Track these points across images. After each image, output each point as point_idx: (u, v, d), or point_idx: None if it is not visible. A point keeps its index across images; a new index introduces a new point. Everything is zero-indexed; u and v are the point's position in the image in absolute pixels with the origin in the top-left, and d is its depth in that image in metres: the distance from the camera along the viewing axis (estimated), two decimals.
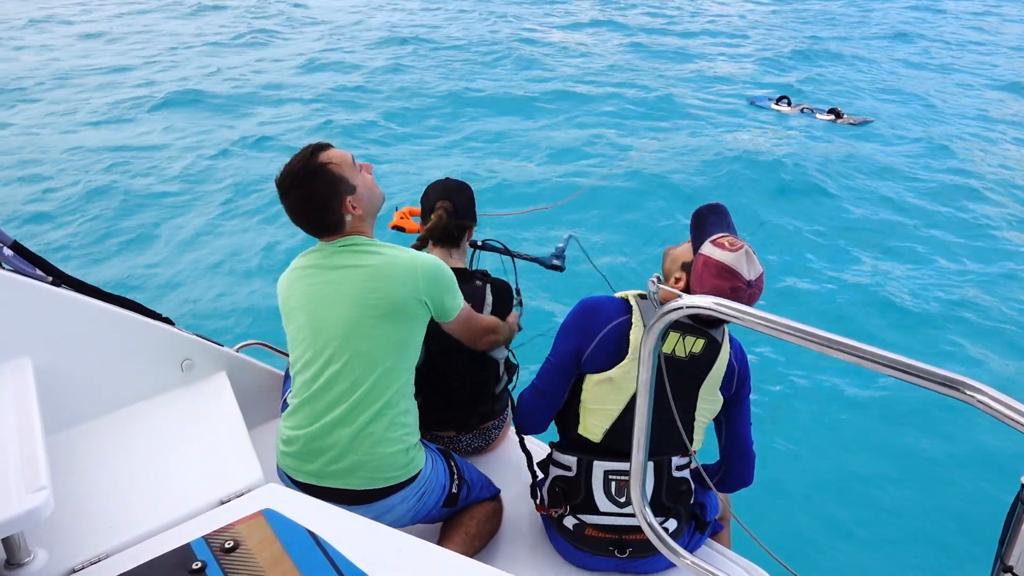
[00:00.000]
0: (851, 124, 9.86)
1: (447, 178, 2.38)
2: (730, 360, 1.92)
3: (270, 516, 1.39)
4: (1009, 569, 0.87)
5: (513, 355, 2.45)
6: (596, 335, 1.92)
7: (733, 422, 2.04)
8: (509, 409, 2.48)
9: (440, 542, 2.05)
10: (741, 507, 2.12)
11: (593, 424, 1.94)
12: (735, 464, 2.09)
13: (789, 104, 10.52)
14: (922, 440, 4.17)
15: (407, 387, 1.97)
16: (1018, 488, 0.87)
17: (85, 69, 12.58)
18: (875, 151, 8.95)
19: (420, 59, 13.08)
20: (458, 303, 2.01)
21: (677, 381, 1.82)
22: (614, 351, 1.89)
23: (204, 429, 2.04)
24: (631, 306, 1.91)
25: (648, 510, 1.34)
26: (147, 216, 7.12)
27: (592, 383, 1.93)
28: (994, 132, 9.96)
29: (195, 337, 2.29)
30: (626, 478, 1.89)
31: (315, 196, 1.87)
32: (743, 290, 1.72)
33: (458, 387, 2.32)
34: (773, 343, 4.75)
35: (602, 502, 1.93)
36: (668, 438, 1.86)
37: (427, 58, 13.19)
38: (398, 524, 1.92)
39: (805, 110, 10.36)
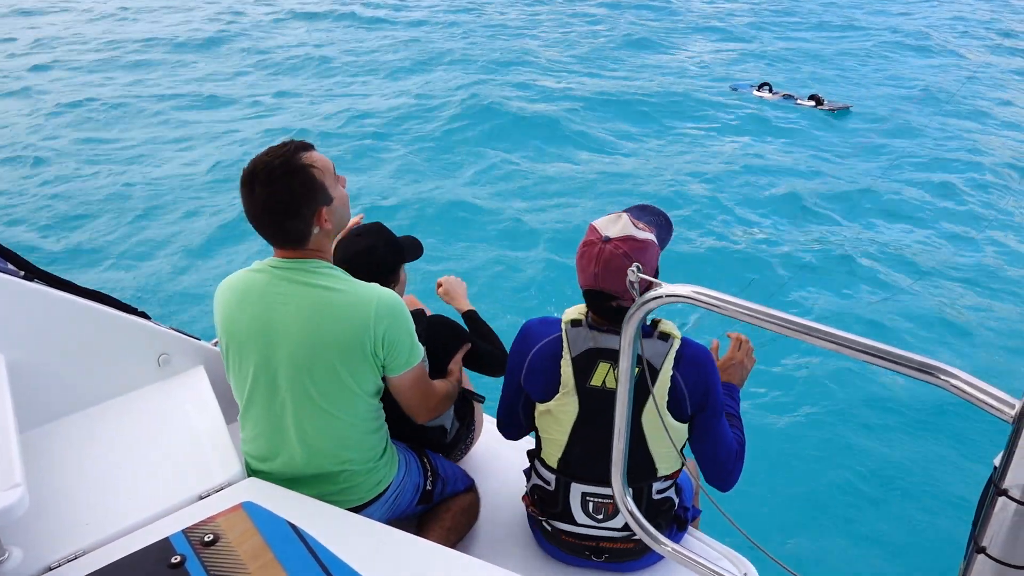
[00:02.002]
0: (830, 110, 9.92)
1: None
2: (675, 384, 1.74)
3: (250, 509, 1.38)
4: (983, 550, 0.87)
5: (469, 394, 2.28)
6: (524, 361, 1.85)
7: (703, 444, 1.83)
8: (476, 415, 2.39)
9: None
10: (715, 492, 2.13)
11: (548, 453, 1.90)
12: (713, 482, 1.90)
13: (771, 91, 10.57)
14: (896, 425, 4.23)
15: (369, 415, 1.83)
16: (990, 471, 0.87)
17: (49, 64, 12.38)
18: (853, 136, 9.02)
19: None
20: (416, 355, 1.80)
21: (613, 415, 1.75)
22: (549, 381, 1.80)
23: (182, 424, 2.02)
24: (562, 334, 1.79)
25: (630, 500, 1.34)
26: (120, 209, 7.04)
27: (538, 413, 1.88)
28: (969, 120, 10.06)
29: (171, 331, 2.26)
30: (603, 501, 1.86)
31: (289, 198, 1.65)
32: (595, 243, 1.68)
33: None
34: (753, 332, 4.78)
35: (579, 516, 1.90)
36: (636, 470, 1.80)
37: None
38: None
39: (786, 96, 10.41)
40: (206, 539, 1.31)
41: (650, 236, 1.73)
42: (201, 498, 1.70)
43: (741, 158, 8.31)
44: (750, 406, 4.34)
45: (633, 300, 1.67)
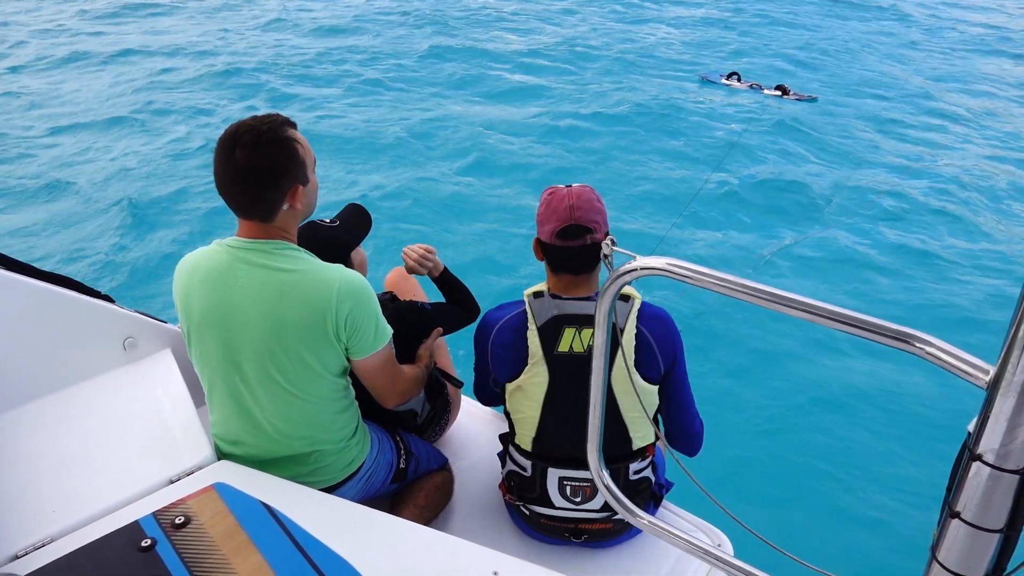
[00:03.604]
0: (796, 100, 10.04)
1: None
2: (641, 339, 1.77)
3: (222, 490, 1.35)
4: (957, 514, 0.88)
5: (448, 378, 2.27)
6: (488, 348, 1.88)
7: (670, 407, 1.87)
8: (449, 398, 2.37)
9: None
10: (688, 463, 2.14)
11: (522, 435, 1.91)
12: (679, 447, 1.96)
13: (739, 80, 10.67)
14: (867, 393, 4.28)
15: (337, 395, 1.80)
16: (964, 436, 0.88)
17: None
18: (817, 124, 9.13)
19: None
20: (381, 338, 1.75)
21: (582, 380, 1.72)
22: (516, 356, 1.82)
23: (150, 408, 1.98)
24: (525, 307, 1.82)
25: (606, 474, 1.34)
26: (81, 189, 6.85)
27: (508, 392, 1.89)
28: (936, 104, 10.25)
29: (137, 314, 2.21)
30: (580, 484, 1.86)
31: (269, 166, 1.60)
32: (559, 189, 1.79)
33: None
34: (726, 303, 4.83)
35: (557, 500, 1.91)
36: (611, 443, 1.80)
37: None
38: None
39: (754, 86, 10.52)
40: (177, 521, 1.29)
41: None
42: (172, 482, 1.66)
43: (710, 143, 8.38)
44: (722, 377, 4.38)
45: (603, 234, 1.75)
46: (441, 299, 2.30)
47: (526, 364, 1.81)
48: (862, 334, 0.93)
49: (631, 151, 8.16)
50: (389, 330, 1.78)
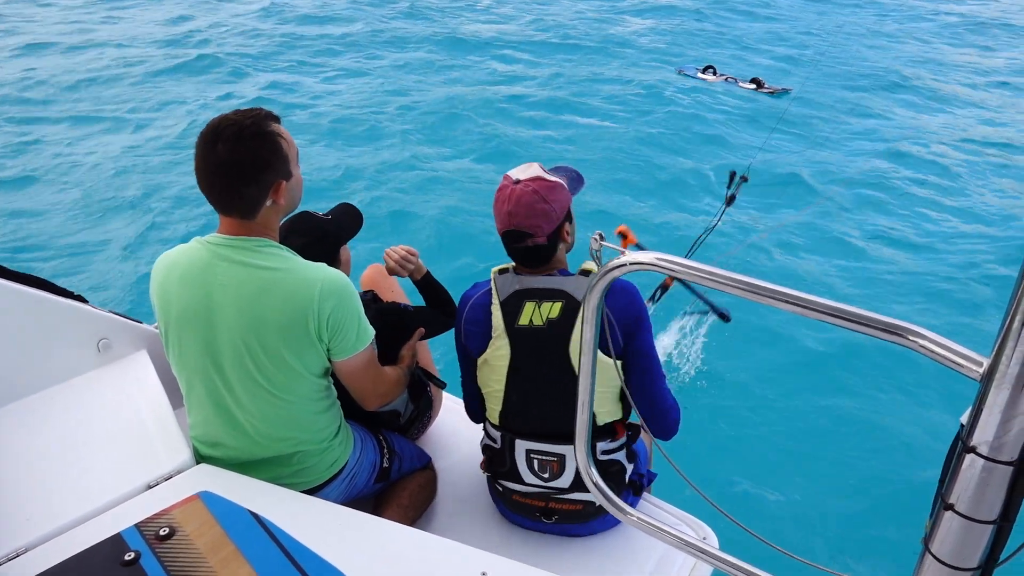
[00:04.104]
0: (770, 93, 10.12)
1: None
2: (604, 316, 1.75)
3: (207, 499, 1.31)
4: (950, 507, 0.88)
5: (431, 378, 2.26)
6: (462, 321, 1.92)
7: (634, 381, 1.85)
8: (431, 396, 2.37)
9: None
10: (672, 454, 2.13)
11: (491, 408, 1.94)
12: (651, 425, 1.93)
13: (715, 73, 10.73)
14: (859, 384, 4.27)
15: (318, 395, 1.77)
16: (958, 428, 0.88)
17: None
18: (792, 116, 9.21)
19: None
20: (364, 338, 1.73)
21: (542, 353, 1.80)
22: (483, 331, 1.85)
23: (126, 411, 1.93)
24: (491, 284, 1.87)
25: (594, 470, 1.33)
26: (53, 185, 6.69)
27: (478, 367, 1.92)
28: (907, 96, 10.37)
29: (111, 315, 2.16)
30: (547, 458, 1.89)
31: (251, 161, 1.58)
32: (506, 187, 1.79)
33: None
34: (714, 293, 4.85)
35: (526, 475, 1.93)
36: (572, 415, 1.82)
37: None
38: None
39: (729, 79, 10.58)
40: (161, 533, 1.24)
41: (559, 180, 1.82)
42: (150, 487, 1.62)
43: (684, 135, 8.42)
44: (710, 367, 4.37)
45: (547, 236, 1.77)
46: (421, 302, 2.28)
47: (490, 338, 1.85)
48: (855, 327, 0.93)
49: (606, 140, 8.17)
50: (371, 330, 1.76)
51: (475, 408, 2.07)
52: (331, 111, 8.76)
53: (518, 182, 1.78)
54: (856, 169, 7.74)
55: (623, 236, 3.47)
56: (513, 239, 1.80)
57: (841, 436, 3.92)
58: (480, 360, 1.89)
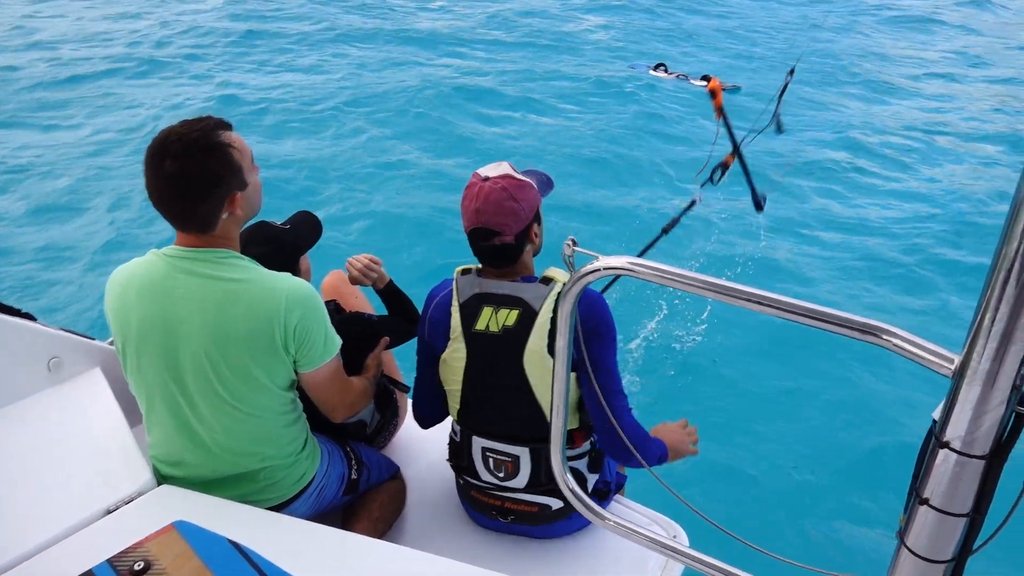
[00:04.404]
0: (721, 89, 10.27)
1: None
2: (557, 323, 1.75)
3: (183, 529, 1.25)
4: (925, 501, 0.90)
5: (396, 384, 2.24)
6: (427, 317, 1.90)
7: (587, 392, 1.77)
8: (400, 403, 2.34)
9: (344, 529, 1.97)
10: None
11: (451, 405, 1.94)
12: (606, 446, 1.86)
13: (666, 71, 10.84)
14: (835, 385, 4.29)
15: (284, 408, 1.72)
16: (930, 423, 0.89)
17: None
18: (739, 111, 9.38)
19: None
20: (331, 348, 1.70)
21: (497, 359, 1.79)
22: (444, 331, 1.85)
23: (81, 432, 1.86)
24: (453, 284, 1.85)
25: (569, 476, 1.32)
26: None
27: (440, 364, 1.91)
28: (855, 88, 10.67)
29: (61, 332, 2.08)
30: (502, 457, 1.89)
31: (202, 175, 1.52)
32: (475, 184, 1.77)
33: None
34: (688, 300, 4.88)
35: (482, 472, 1.93)
36: (530, 425, 1.82)
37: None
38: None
39: (680, 77, 10.71)
40: (136, 567, 1.18)
41: (529, 180, 1.81)
42: (109, 512, 1.57)
43: (638, 131, 8.49)
44: (677, 369, 4.38)
45: (514, 235, 1.75)
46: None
47: (449, 339, 1.84)
48: (829, 328, 0.94)
49: (560, 137, 8.19)
50: (338, 340, 1.72)
51: (423, 412, 2.05)
52: (282, 110, 8.60)
53: (487, 179, 1.76)
54: (807, 158, 7.94)
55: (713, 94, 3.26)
56: (480, 237, 1.77)
57: (807, 433, 3.94)
58: (441, 358, 1.88)
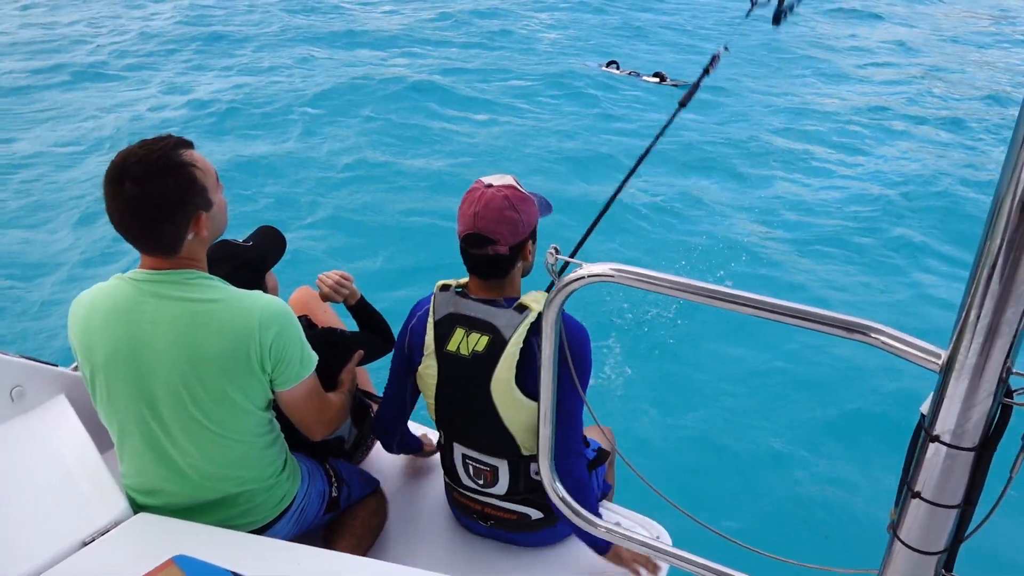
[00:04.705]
0: (673, 86, 10.38)
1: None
2: (527, 353, 1.71)
3: (184, 564, 1.20)
4: (917, 494, 0.91)
5: (372, 398, 2.21)
6: (408, 327, 1.88)
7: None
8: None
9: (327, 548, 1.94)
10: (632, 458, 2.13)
11: (431, 414, 1.93)
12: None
13: (618, 68, 10.93)
14: (823, 383, 4.29)
15: (262, 430, 1.69)
16: (918, 417, 0.91)
17: None
18: (692, 110, 9.50)
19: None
20: (308, 365, 1.66)
21: (466, 383, 1.77)
22: (421, 345, 1.82)
23: (49, 462, 1.80)
24: (431, 299, 1.83)
25: (559, 484, 1.32)
26: None
27: (416, 376, 1.89)
28: (804, 76, 10.91)
29: (23, 360, 2.01)
30: (481, 466, 1.88)
31: (164, 197, 1.47)
32: (477, 189, 1.73)
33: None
34: (671, 304, 4.89)
35: (464, 478, 1.94)
36: (503, 446, 1.81)
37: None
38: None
39: (632, 73, 10.79)
40: None
41: (532, 195, 1.79)
42: (86, 544, 1.51)
43: (591, 131, 8.54)
44: (668, 371, 4.38)
45: (509, 247, 1.72)
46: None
47: (424, 354, 1.82)
48: (817, 327, 0.95)
49: (513, 134, 8.19)
50: (314, 356, 1.69)
51: (388, 413, 2.00)
52: (232, 115, 8.42)
53: (490, 186, 1.72)
54: (760, 145, 8.13)
55: None
56: (474, 243, 1.72)
57: (791, 429, 3.93)
58: (417, 371, 1.87)
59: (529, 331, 1.71)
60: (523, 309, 1.74)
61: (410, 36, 12.14)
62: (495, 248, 1.71)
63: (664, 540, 2.00)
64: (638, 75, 10.72)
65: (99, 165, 6.87)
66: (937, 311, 5.09)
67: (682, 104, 3.22)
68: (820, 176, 7.44)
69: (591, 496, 1.87)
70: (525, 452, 1.82)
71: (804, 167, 7.63)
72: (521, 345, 1.71)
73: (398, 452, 2.16)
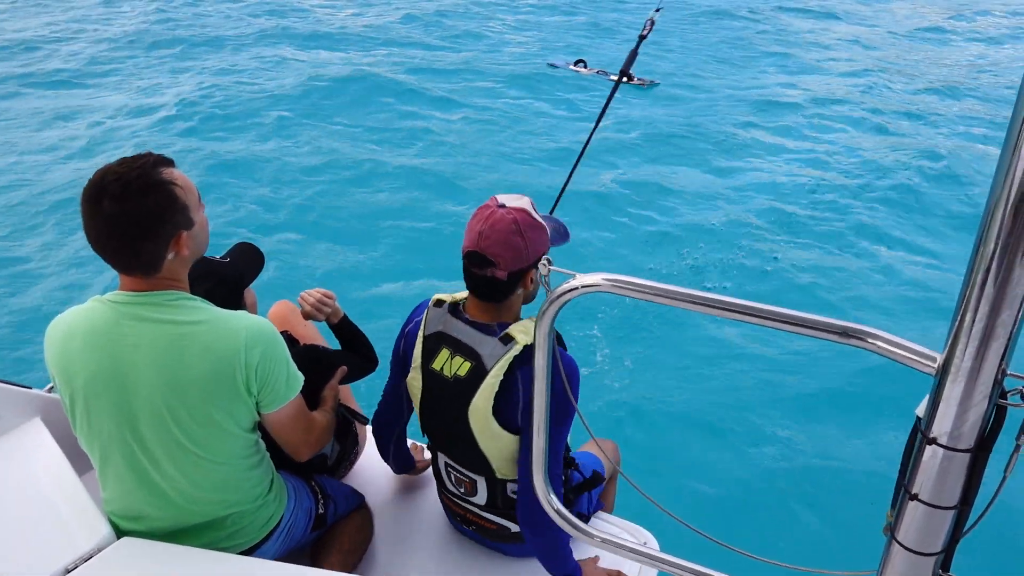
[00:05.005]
0: (640, 85, 10.44)
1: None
2: (508, 385, 1.69)
3: None
4: (915, 496, 0.92)
5: (354, 415, 2.18)
6: (404, 330, 1.88)
7: (521, 460, 1.74)
8: (359, 432, 2.29)
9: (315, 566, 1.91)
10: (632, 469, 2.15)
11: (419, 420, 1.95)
12: (521, 518, 1.80)
13: (585, 66, 10.98)
14: (816, 389, 4.30)
15: (248, 451, 1.66)
16: (914, 420, 0.92)
17: None
18: (661, 106, 9.60)
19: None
20: (294, 386, 1.64)
21: (447, 404, 1.77)
22: (411, 355, 1.83)
23: (27, 487, 1.75)
24: (425, 312, 1.82)
25: (552, 495, 1.31)
26: None
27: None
28: (767, 68, 11.04)
29: None
30: (461, 476, 1.89)
31: (143, 216, 1.43)
32: (489, 207, 1.70)
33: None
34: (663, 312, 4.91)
35: (448, 484, 1.96)
36: (476, 463, 1.81)
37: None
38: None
39: (599, 72, 10.85)
40: None
41: (544, 223, 1.75)
42: (69, 571, 1.47)
43: (559, 128, 8.56)
44: (662, 382, 4.35)
45: (508, 272, 1.69)
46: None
47: (412, 366, 1.83)
48: (812, 333, 0.95)
49: (482, 132, 8.20)
50: (300, 377, 1.66)
51: (384, 418, 2.02)
52: (199, 118, 8.31)
53: (503, 207, 1.69)
54: (726, 132, 8.40)
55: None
56: (475, 262, 1.68)
57: (805, 442, 3.92)
58: (407, 378, 1.87)
59: (513, 363, 1.68)
60: (509, 340, 1.69)
61: (377, 37, 12.08)
62: (493, 271, 1.68)
63: (652, 546, 2.01)
64: (606, 73, 10.78)
65: (71, 174, 6.72)
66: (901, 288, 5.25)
67: (623, 74, 3.33)
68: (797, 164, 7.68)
69: (564, 549, 1.83)
70: (500, 476, 1.82)
71: (774, 157, 7.81)
72: (501, 377, 1.68)
73: (393, 464, 2.15)
